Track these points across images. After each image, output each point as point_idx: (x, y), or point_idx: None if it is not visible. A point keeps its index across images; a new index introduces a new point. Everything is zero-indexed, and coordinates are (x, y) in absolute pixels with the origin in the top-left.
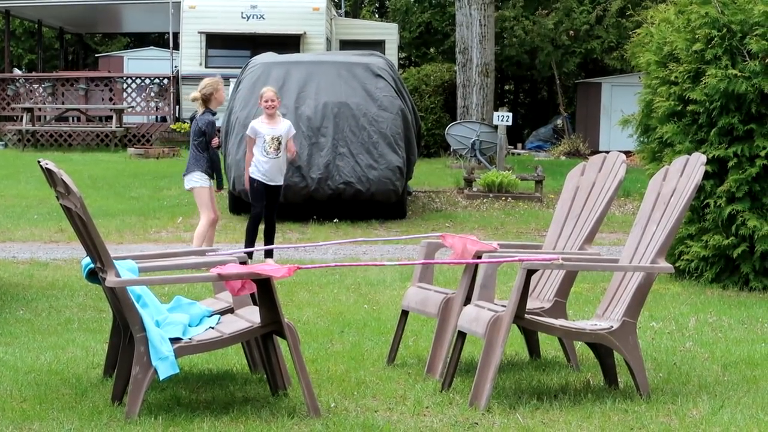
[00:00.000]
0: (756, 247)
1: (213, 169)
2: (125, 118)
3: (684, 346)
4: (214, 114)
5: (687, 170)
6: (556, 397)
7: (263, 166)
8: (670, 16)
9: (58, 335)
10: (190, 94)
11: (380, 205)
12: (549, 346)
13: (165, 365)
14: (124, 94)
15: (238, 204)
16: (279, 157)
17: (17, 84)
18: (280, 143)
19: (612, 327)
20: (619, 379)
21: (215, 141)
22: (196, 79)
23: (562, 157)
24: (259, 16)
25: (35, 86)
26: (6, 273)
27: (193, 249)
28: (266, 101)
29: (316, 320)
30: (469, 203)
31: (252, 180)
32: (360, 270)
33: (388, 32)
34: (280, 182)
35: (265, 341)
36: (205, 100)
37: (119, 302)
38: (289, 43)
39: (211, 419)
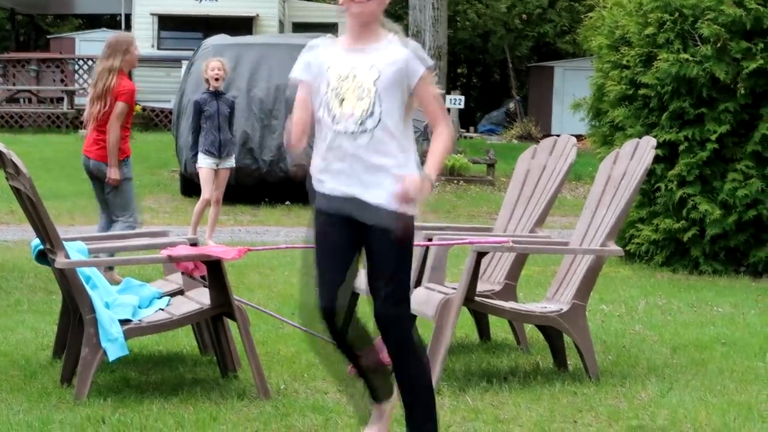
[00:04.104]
0: (707, 230)
1: (211, 147)
2: (77, 100)
3: (633, 329)
4: (216, 94)
5: (637, 154)
6: (506, 379)
7: (322, 157)
8: None
9: (7, 317)
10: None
11: None
12: (499, 329)
13: (114, 347)
14: (76, 76)
15: (189, 186)
16: (368, 132)
17: None
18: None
19: (562, 310)
20: (568, 362)
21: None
22: (148, 60)
23: (514, 141)
24: None
25: None
26: None
27: (144, 231)
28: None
29: (267, 302)
30: None
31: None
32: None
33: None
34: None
35: (215, 323)
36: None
37: (69, 284)
38: (241, 25)
39: (161, 401)
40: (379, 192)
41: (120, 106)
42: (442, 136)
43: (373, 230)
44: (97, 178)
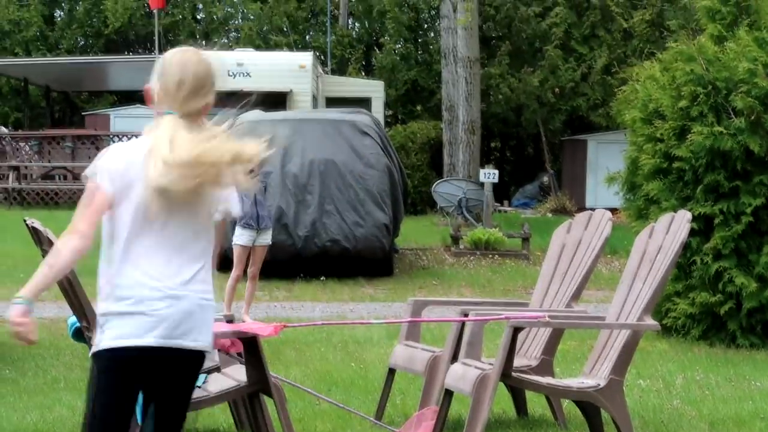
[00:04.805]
0: (743, 304)
1: (249, 221)
2: None
3: (671, 404)
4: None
5: (673, 227)
6: None
7: None
8: (655, 73)
9: (44, 395)
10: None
11: (367, 262)
12: (536, 404)
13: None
14: None
15: (223, 262)
16: None
17: (3, 142)
18: None
19: (599, 385)
20: None
21: None
22: None
23: (549, 215)
24: (245, 74)
25: (21, 144)
26: None
27: None
28: None
29: (303, 379)
30: (456, 261)
31: None
32: (347, 328)
33: (375, 90)
34: None
35: (251, 400)
36: None
37: None
38: (275, 100)
39: None
40: None
41: None
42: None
43: None
44: None
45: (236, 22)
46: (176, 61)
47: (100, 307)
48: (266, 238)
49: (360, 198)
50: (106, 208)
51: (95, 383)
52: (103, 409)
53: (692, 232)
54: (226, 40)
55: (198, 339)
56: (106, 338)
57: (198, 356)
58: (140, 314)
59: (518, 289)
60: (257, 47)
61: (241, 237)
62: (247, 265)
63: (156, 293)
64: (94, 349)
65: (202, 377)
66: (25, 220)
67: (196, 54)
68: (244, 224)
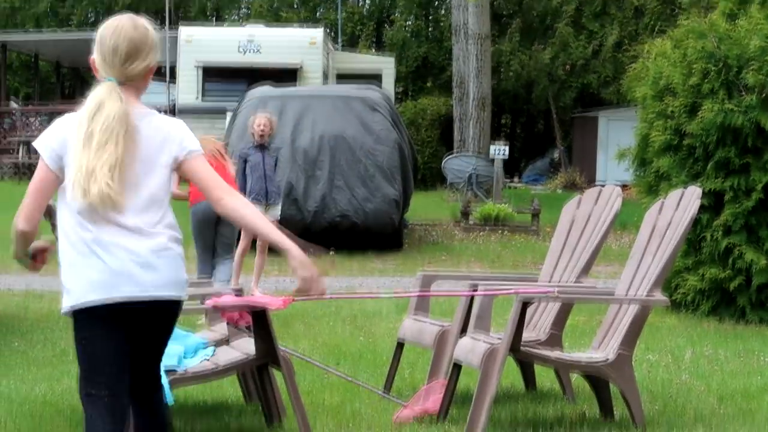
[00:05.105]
0: (753, 279)
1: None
2: None
3: (680, 379)
4: (261, 146)
5: (683, 203)
6: (552, 428)
7: None
8: (666, 49)
9: (53, 366)
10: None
11: (377, 236)
12: (545, 378)
13: None
14: None
15: None
16: None
17: (13, 116)
18: None
19: (608, 359)
20: (614, 411)
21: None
22: (192, 111)
23: (559, 190)
24: (255, 49)
25: (31, 119)
26: (1, 304)
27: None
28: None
29: (312, 352)
30: (466, 235)
31: None
32: (356, 302)
33: (385, 65)
34: None
35: (260, 372)
36: None
37: None
38: (285, 75)
39: None
40: None
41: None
42: None
43: None
44: (221, 222)
45: None
46: (110, 29)
47: None
48: (275, 213)
49: (370, 173)
50: (50, 185)
51: None
52: None
53: (702, 208)
54: (236, 16)
55: None
56: None
57: None
58: None
59: (527, 264)
60: (268, 22)
61: None
62: (254, 239)
63: None
64: None
65: (210, 349)
66: None
67: (131, 20)
68: (253, 199)
